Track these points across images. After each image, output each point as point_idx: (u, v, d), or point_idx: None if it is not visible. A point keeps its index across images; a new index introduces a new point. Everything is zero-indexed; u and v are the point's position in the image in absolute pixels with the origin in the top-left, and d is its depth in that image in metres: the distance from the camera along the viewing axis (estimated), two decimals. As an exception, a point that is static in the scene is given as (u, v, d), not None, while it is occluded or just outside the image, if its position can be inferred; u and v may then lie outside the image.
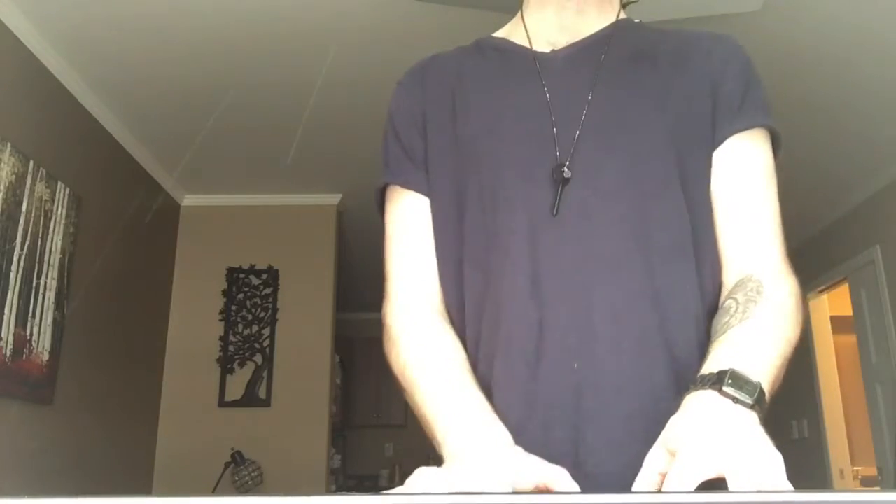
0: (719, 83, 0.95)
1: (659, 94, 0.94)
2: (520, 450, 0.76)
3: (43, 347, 2.92)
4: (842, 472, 4.70)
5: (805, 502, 0.51)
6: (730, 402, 0.71)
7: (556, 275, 0.88)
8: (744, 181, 0.93)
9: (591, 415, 0.83)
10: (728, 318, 0.83)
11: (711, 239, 0.92)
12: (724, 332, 0.82)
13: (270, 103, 3.43)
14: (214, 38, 2.91)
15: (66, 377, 3.08)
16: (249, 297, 4.39)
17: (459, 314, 0.96)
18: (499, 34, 1.09)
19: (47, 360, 2.95)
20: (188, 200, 4.48)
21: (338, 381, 6.10)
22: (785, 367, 0.80)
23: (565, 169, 0.90)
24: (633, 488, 0.71)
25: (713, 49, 0.98)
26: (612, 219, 0.89)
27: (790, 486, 0.62)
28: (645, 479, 0.71)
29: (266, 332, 4.34)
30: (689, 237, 0.90)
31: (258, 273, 4.42)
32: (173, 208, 4.41)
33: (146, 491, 3.95)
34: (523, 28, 1.04)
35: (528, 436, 0.81)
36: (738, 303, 0.84)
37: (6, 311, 2.67)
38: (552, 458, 0.75)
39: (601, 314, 0.86)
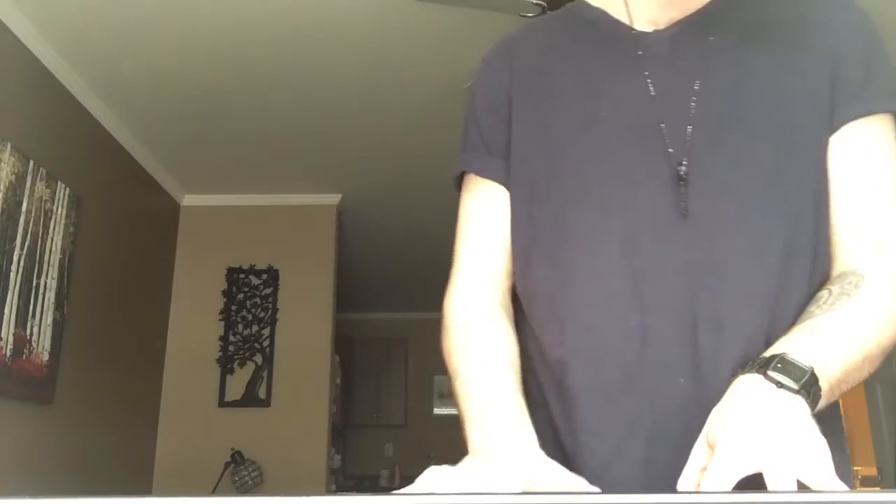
0: (838, 62, 0.86)
1: (772, 78, 0.86)
2: (542, 454, 0.73)
3: (43, 347, 2.92)
4: (842, 472, 4.70)
5: (805, 502, 0.51)
6: (773, 386, 0.66)
7: (660, 281, 0.81)
8: (861, 171, 0.84)
9: (699, 434, 0.74)
10: (815, 307, 0.78)
11: (827, 233, 0.84)
12: (804, 321, 0.76)
13: (270, 104, 3.42)
14: (214, 39, 2.91)
15: (66, 377, 3.08)
16: (249, 297, 4.39)
17: (527, 309, 0.91)
18: (595, 2, 0.98)
19: (47, 360, 2.95)
20: (188, 200, 4.48)
21: (338, 381, 6.10)
22: (870, 364, 0.75)
23: (682, 167, 0.82)
24: (678, 486, 0.67)
25: (832, 20, 0.88)
26: (722, 221, 0.81)
27: (835, 478, 0.58)
28: (689, 475, 0.67)
29: (266, 332, 4.34)
30: (806, 234, 0.82)
31: (258, 273, 4.42)
32: (173, 208, 4.41)
33: (146, 491, 3.95)
34: (622, 1, 0.94)
35: (629, 455, 0.76)
36: (830, 294, 0.78)
37: (6, 311, 2.67)
38: (655, 479, 0.72)
39: (706, 325, 0.79)
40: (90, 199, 3.32)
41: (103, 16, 2.74)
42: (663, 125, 0.85)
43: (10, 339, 2.70)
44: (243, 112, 3.50)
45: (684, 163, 0.82)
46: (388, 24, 2.83)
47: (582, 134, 0.89)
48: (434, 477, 0.67)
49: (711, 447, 0.65)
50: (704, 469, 0.66)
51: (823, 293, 0.79)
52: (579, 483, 0.69)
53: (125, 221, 3.78)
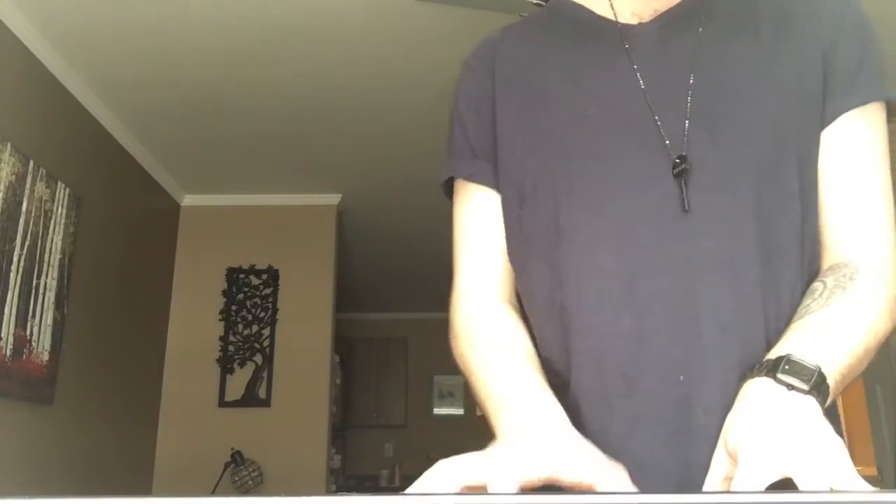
0: (831, 50, 0.84)
1: (764, 68, 0.84)
2: (575, 435, 0.70)
3: (43, 347, 2.92)
4: (842, 472, 4.70)
5: (805, 502, 0.51)
6: (784, 389, 0.66)
7: (654, 279, 0.79)
8: (854, 162, 0.83)
9: (702, 432, 0.74)
10: (810, 301, 0.77)
11: (816, 226, 0.83)
12: (802, 318, 0.75)
13: (270, 103, 3.43)
14: (215, 38, 2.91)
15: (66, 377, 3.08)
16: (249, 297, 4.39)
17: (526, 311, 0.90)
18: None
19: (47, 360, 2.95)
20: (188, 200, 4.48)
21: (338, 381, 6.10)
22: (868, 357, 0.75)
23: (679, 161, 0.80)
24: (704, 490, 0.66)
25: (821, 9, 0.86)
26: (717, 216, 0.80)
27: (856, 475, 0.58)
28: (711, 485, 0.66)
29: (266, 332, 4.34)
30: (797, 227, 0.82)
31: (258, 273, 4.42)
32: (173, 208, 4.41)
33: (146, 491, 3.95)
34: None
35: (631, 456, 0.73)
36: (825, 286, 0.77)
37: (6, 311, 2.67)
38: (659, 479, 0.71)
39: (708, 321, 0.77)
40: (90, 199, 3.32)
41: (103, 15, 2.74)
42: (657, 118, 0.83)
43: (10, 339, 2.70)
44: (243, 112, 3.50)
45: (684, 155, 0.81)
46: (388, 25, 2.83)
47: (569, 132, 0.87)
48: (452, 464, 0.64)
49: (733, 456, 0.64)
50: (727, 478, 0.65)
51: (818, 285, 0.79)
52: (616, 473, 0.66)
53: (125, 221, 3.78)
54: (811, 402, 0.65)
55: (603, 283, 0.81)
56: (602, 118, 0.85)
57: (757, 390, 0.68)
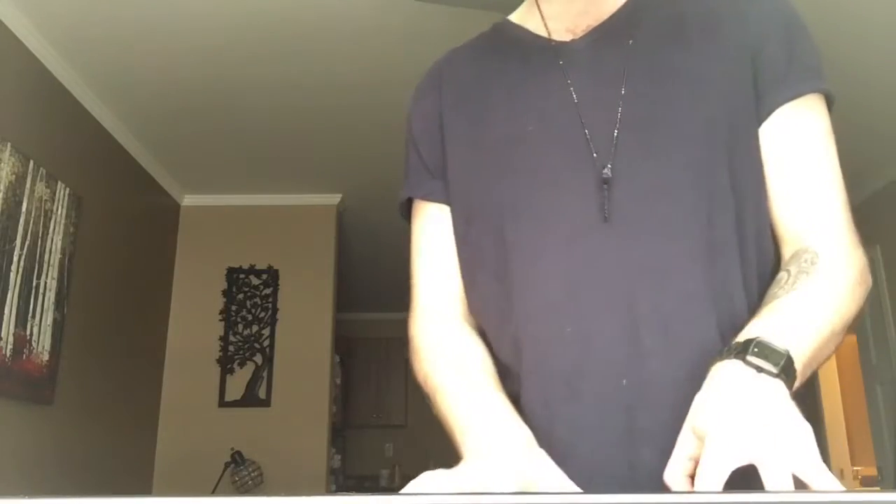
0: (758, 50, 0.86)
1: (695, 76, 0.86)
2: (540, 454, 0.73)
3: (43, 347, 2.92)
4: (842, 472, 4.71)
5: (805, 502, 0.51)
6: (753, 371, 0.66)
7: (596, 285, 0.81)
8: (797, 152, 0.85)
9: (647, 435, 0.77)
10: (777, 289, 0.78)
11: (763, 221, 0.85)
12: (768, 304, 0.77)
13: (270, 103, 3.43)
14: (214, 38, 2.91)
15: (66, 377, 3.08)
16: (249, 297, 4.39)
17: (481, 325, 0.93)
18: (515, 18, 1.01)
19: (47, 360, 2.95)
20: (188, 200, 4.48)
21: (338, 381, 6.10)
22: (835, 339, 0.76)
23: (607, 170, 0.83)
24: (665, 476, 0.68)
25: (747, 11, 0.88)
26: (654, 220, 0.82)
27: (822, 464, 0.59)
28: (676, 465, 0.68)
29: (266, 332, 4.34)
30: (745, 226, 0.83)
31: (258, 273, 4.42)
32: (173, 208, 4.41)
33: (146, 491, 3.95)
34: (538, 12, 0.96)
35: (578, 460, 0.75)
36: (789, 274, 0.79)
37: (6, 311, 2.67)
38: (608, 482, 0.72)
39: (649, 325, 0.79)
40: (90, 199, 3.32)
41: (103, 16, 2.75)
42: (587, 131, 0.85)
43: (10, 339, 2.70)
44: (243, 112, 3.50)
45: (608, 166, 0.83)
46: (388, 24, 2.83)
47: (511, 149, 0.89)
48: (427, 479, 0.67)
49: (700, 438, 0.65)
50: (692, 458, 0.66)
51: (783, 275, 0.80)
52: (571, 486, 0.69)
53: (125, 221, 3.78)
54: (779, 385, 0.66)
55: (547, 293, 0.84)
56: (540, 134, 0.88)
57: (726, 372, 0.68)
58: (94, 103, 3.33)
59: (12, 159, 2.70)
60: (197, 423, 4.12)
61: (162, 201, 4.27)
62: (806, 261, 0.79)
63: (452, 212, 0.96)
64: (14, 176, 2.72)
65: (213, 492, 3.79)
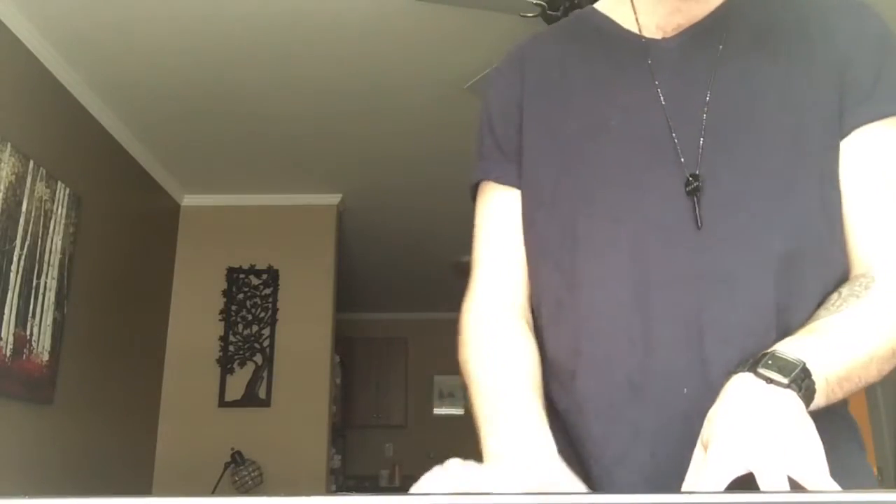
0: (846, 67, 0.85)
1: (782, 87, 0.85)
2: (558, 463, 0.72)
3: (43, 347, 2.92)
4: (842, 472, 4.70)
5: (805, 502, 0.51)
6: (763, 382, 0.66)
7: (665, 290, 0.81)
8: (874, 174, 0.83)
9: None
10: (822, 310, 0.77)
11: (839, 239, 0.84)
12: (810, 323, 0.76)
13: (270, 103, 3.43)
14: (214, 39, 2.91)
15: (66, 377, 3.08)
16: (249, 297, 4.39)
17: (536, 314, 0.92)
18: (602, 9, 0.99)
19: (47, 360, 2.95)
20: (188, 200, 4.48)
21: (338, 381, 6.10)
22: (879, 364, 0.74)
23: (696, 177, 0.82)
24: (683, 487, 0.67)
25: (838, 25, 0.87)
26: (731, 230, 0.81)
27: (826, 476, 0.59)
28: (691, 479, 0.67)
29: (266, 332, 4.34)
30: (817, 242, 0.82)
31: (258, 273, 4.42)
32: (173, 208, 4.41)
33: (146, 491, 3.95)
34: (630, 6, 0.95)
35: (633, 462, 0.75)
36: (840, 296, 0.78)
37: (6, 311, 2.67)
38: (658, 488, 0.71)
39: (713, 335, 0.79)
40: (90, 199, 3.32)
41: (103, 16, 2.75)
42: (675, 135, 0.85)
43: (10, 339, 2.70)
44: (243, 112, 3.50)
45: (697, 173, 0.83)
46: (388, 25, 2.83)
47: (591, 142, 0.89)
48: (448, 470, 0.66)
49: (705, 449, 0.65)
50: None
51: (833, 296, 0.79)
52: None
53: (125, 221, 3.78)
54: (791, 397, 0.65)
55: (615, 290, 0.83)
56: (623, 130, 0.88)
57: (737, 385, 0.68)
58: (94, 103, 3.33)
59: (12, 159, 2.70)
60: (197, 423, 4.12)
61: (162, 201, 4.27)
62: (860, 284, 0.78)
63: (523, 197, 0.94)
64: (14, 176, 2.72)
65: (213, 492, 3.79)
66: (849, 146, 0.84)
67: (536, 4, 2.29)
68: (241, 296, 4.39)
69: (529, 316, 0.93)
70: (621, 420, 0.80)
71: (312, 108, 3.47)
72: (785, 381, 0.65)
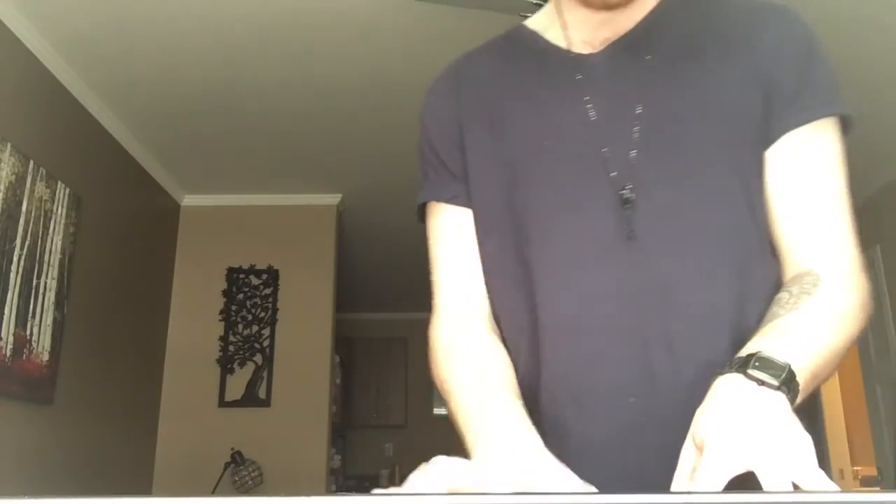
0: (771, 74, 0.86)
1: (709, 96, 0.87)
2: (550, 458, 0.73)
3: (43, 347, 2.92)
4: (842, 472, 4.71)
5: (805, 502, 0.51)
6: (755, 384, 0.67)
7: (608, 304, 0.83)
8: (804, 175, 0.85)
9: (654, 453, 0.77)
10: (777, 308, 0.79)
11: (769, 243, 0.86)
12: (769, 322, 0.77)
13: (270, 103, 3.43)
14: (214, 39, 2.91)
15: (66, 377, 3.08)
16: (249, 297, 4.39)
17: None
18: (532, 25, 1.00)
19: (47, 360, 2.95)
20: (188, 200, 4.48)
21: (338, 381, 6.10)
22: (836, 359, 0.77)
23: (626, 191, 0.84)
24: (673, 486, 0.67)
25: (763, 32, 0.88)
26: (669, 242, 0.83)
27: (821, 473, 0.59)
28: (681, 477, 0.68)
29: (266, 332, 4.34)
30: (753, 247, 0.85)
31: (258, 273, 4.42)
32: (173, 208, 4.41)
33: (146, 491, 3.95)
34: (559, 23, 0.95)
35: (584, 476, 0.74)
36: (791, 294, 0.79)
37: (6, 311, 2.67)
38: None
39: (656, 344, 0.81)
40: (90, 199, 3.32)
41: (103, 16, 2.75)
42: (605, 150, 0.86)
43: (10, 339, 2.70)
44: (243, 112, 3.50)
45: (628, 186, 0.84)
46: (388, 24, 2.83)
47: (530, 163, 0.90)
48: (439, 466, 0.67)
49: (699, 449, 0.65)
50: (695, 471, 0.66)
51: (784, 294, 0.81)
52: (586, 488, 0.69)
53: (125, 221, 3.78)
54: (780, 398, 0.66)
55: (561, 307, 0.86)
56: (558, 150, 0.89)
57: (727, 386, 0.69)
58: (94, 103, 3.33)
59: (12, 159, 2.70)
60: (197, 423, 4.12)
61: (162, 201, 4.27)
62: (808, 282, 0.80)
63: (475, 216, 0.96)
64: (14, 176, 2.72)
65: (213, 492, 3.79)
66: (776, 152, 0.86)
67: (536, 4, 2.29)
68: (241, 296, 4.39)
69: (496, 326, 0.94)
70: (568, 435, 0.83)
71: (312, 107, 3.47)
72: (776, 383, 0.67)
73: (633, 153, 0.85)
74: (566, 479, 0.70)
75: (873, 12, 2.72)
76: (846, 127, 0.87)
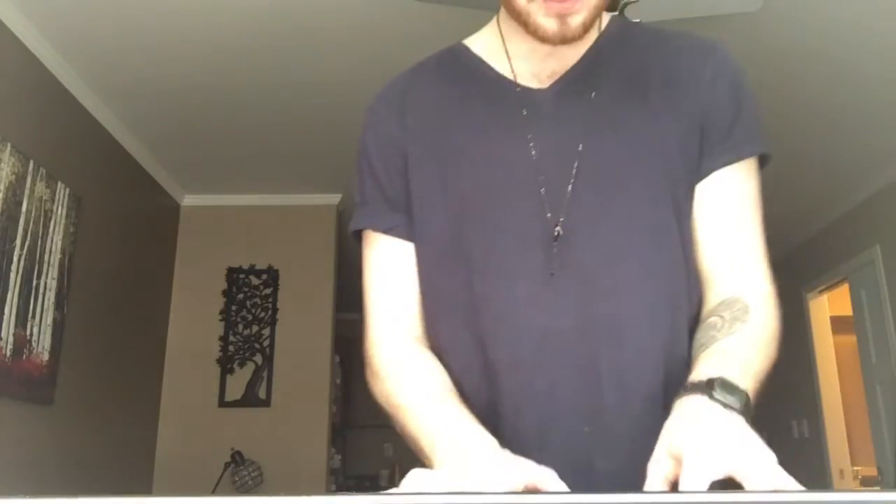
0: (707, 112, 0.90)
1: (650, 133, 0.89)
2: (507, 452, 0.75)
3: (43, 347, 2.92)
4: (842, 472, 4.70)
5: (805, 502, 0.51)
6: (720, 406, 0.70)
7: (558, 341, 0.85)
8: (730, 211, 0.90)
9: (607, 477, 0.82)
10: (714, 332, 0.83)
11: (696, 275, 0.91)
12: (711, 345, 0.82)
13: (270, 103, 3.43)
14: (214, 38, 2.91)
15: (66, 377, 3.08)
16: (249, 297, 4.39)
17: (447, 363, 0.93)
18: (476, 50, 0.99)
19: (47, 360, 2.95)
20: (188, 200, 4.48)
21: (338, 381, 6.10)
22: (764, 382, 0.81)
23: (558, 228, 0.86)
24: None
25: (699, 70, 0.91)
26: (609, 278, 0.86)
27: (795, 481, 0.61)
28: (654, 487, 0.69)
29: (266, 332, 4.34)
30: (683, 281, 0.89)
31: (258, 273, 4.42)
32: (173, 208, 4.41)
33: (146, 491, 3.95)
34: (504, 49, 0.95)
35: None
36: (724, 319, 0.84)
37: (6, 311, 2.67)
38: None
39: (608, 380, 0.84)
40: (90, 199, 3.32)
41: (103, 15, 2.75)
42: (543, 190, 0.87)
43: (10, 339, 2.70)
44: (244, 112, 3.50)
45: (560, 221, 0.86)
46: (388, 25, 2.83)
47: (478, 198, 0.90)
48: (418, 479, 0.68)
49: (676, 458, 0.67)
50: (668, 479, 0.68)
51: (716, 320, 0.85)
52: (548, 473, 0.70)
53: (125, 221, 3.78)
54: (740, 420, 0.69)
55: (514, 348, 0.87)
56: (504, 186, 0.90)
57: (694, 404, 0.71)
58: (94, 103, 3.33)
59: (12, 159, 2.70)
60: (197, 423, 4.12)
61: (162, 201, 4.27)
62: (739, 309, 0.84)
63: (417, 252, 0.95)
64: (14, 176, 2.72)
65: (213, 492, 3.79)
66: (706, 188, 0.90)
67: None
68: (241, 296, 4.39)
69: (427, 343, 0.95)
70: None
71: (313, 107, 3.47)
72: (739, 406, 0.70)
73: (570, 190, 0.87)
74: (528, 467, 0.71)
75: (873, 14, 2.72)
76: (763, 163, 0.93)
